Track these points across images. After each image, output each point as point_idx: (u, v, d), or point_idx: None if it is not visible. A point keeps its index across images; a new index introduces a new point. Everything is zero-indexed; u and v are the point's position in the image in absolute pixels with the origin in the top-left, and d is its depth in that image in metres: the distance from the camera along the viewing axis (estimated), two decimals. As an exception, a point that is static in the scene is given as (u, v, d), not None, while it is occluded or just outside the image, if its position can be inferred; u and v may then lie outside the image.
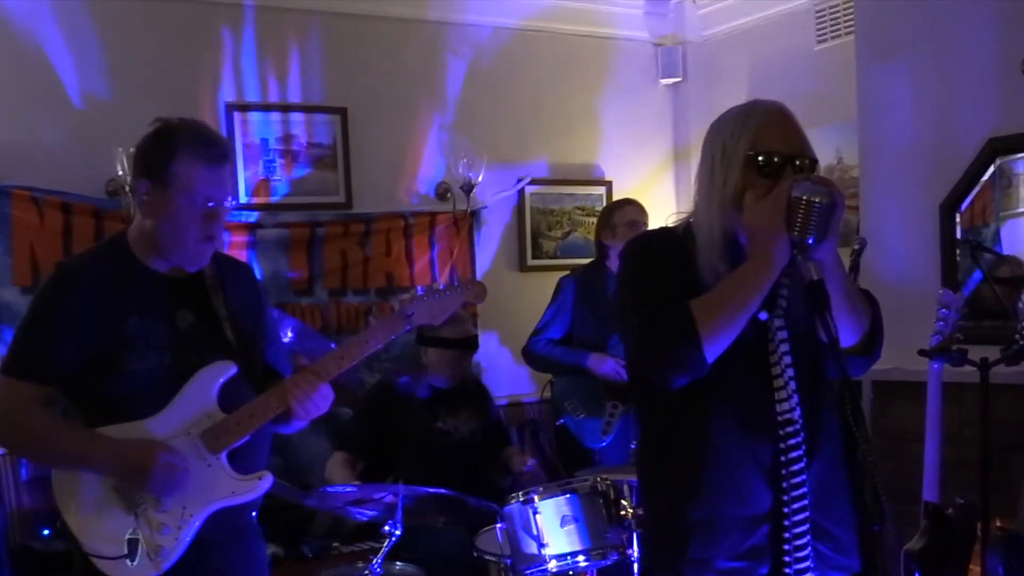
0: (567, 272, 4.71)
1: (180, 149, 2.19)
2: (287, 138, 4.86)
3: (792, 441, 1.93)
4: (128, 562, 2.14)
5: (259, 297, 2.47)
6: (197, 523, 2.19)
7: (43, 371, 2.20)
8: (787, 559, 1.94)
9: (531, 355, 4.53)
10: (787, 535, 1.93)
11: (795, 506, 1.93)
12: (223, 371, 2.25)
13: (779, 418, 1.93)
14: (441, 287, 2.38)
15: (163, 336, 2.23)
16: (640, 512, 2.96)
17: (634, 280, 2.04)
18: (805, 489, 1.93)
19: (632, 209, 4.52)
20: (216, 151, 2.23)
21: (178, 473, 2.17)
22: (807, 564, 1.94)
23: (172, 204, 2.19)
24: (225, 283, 2.33)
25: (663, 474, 2.05)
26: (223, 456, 2.23)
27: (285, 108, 4.85)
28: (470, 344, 4.05)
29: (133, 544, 2.14)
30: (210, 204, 2.21)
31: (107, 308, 2.19)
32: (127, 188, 3.89)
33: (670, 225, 2.12)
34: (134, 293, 2.23)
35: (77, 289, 2.21)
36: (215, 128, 4.59)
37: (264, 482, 2.26)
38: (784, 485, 1.93)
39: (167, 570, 2.16)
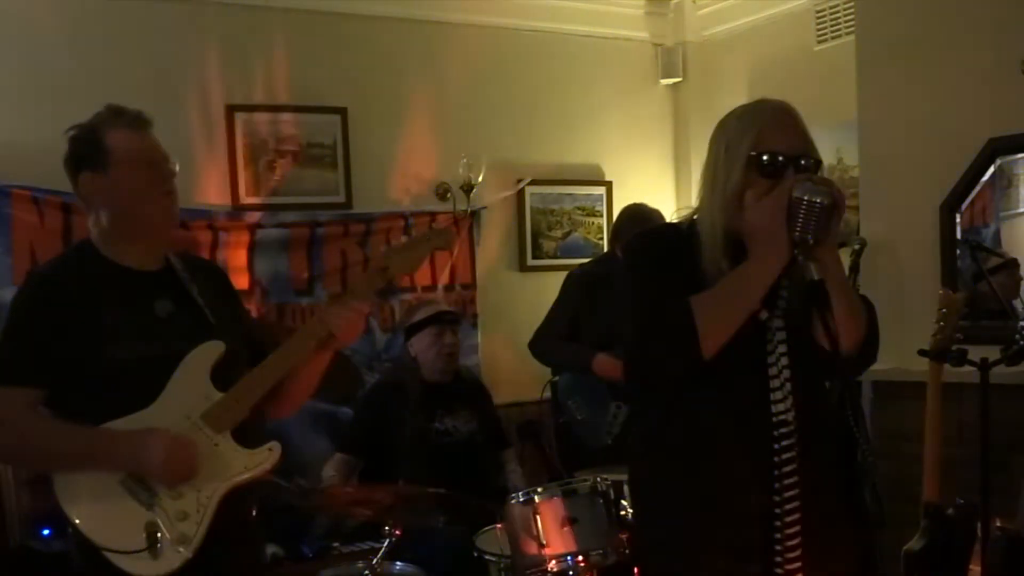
0: (574, 267, 4.71)
1: (104, 127, 2.25)
2: (287, 138, 4.86)
3: (786, 442, 1.94)
4: (149, 555, 2.12)
5: (230, 289, 2.51)
6: (215, 503, 2.19)
7: (32, 373, 2.19)
8: (778, 559, 1.94)
9: (537, 350, 4.53)
10: (778, 535, 1.94)
11: (787, 506, 1.93)
12: (213, 351, 2.26)
13: (774, 418, 1.94)
14: (411, 238, 2.45)
15: (145, 326, 2.24)
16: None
17: (637, 274, 2.05)
18: (798, 490, 1.93)
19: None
20: (134, 116, 2.28)
21: (190, 459, 2.17)
22: (798, 564, 1.94)
23: (119, 180, 2.23)
24: (195, 276, 2.35)
25: (657, 470, 2.05)
26: (228, 434, 2.23)
27: (285, 108, 4.85)
28: (446, 316, 4.04)
29: (153, 536, 2.13)
30: (152, 165, 2.25)
31: (84, 306, 2.20)
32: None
33: (675, 221, 2.13)
34: (108, 289, 2.24)
35: (52, 291, 2.23)
36: (215, 129, 4.62)
37: (275, 452, 2.27)
38: (776, 486, 1.94)
39: (184, 564, 2.15)
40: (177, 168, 2.34)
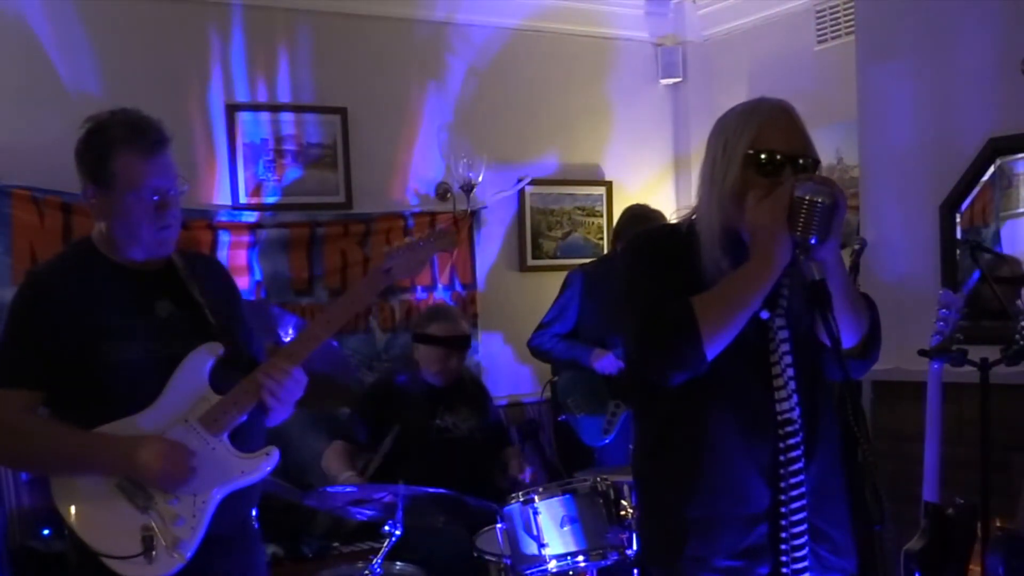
0: (574, 267, 4.72)
1: (114, 147, 2.18)
2: (287, 138, 4.85)
3: (791, 441, 1.93)
4: (144, 559, 2.11)
5: (232, 285, 2.48)
6: (211, 508, 2.18)
7: (29, 376, 2.18)
8: (784, 559, 1.94)
9: (536, 348, 4.56)
10: (784, 535, 1.94)
11: (793, 506, 1.93)
12: (211, 353, 2.24)
13: (778, 418, 1.94)
14: (414, 240, 2.42)
15: (144, 327, 2.22)
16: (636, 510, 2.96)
17: (636, 275, 2.04)
18: (804, 489, 1.93)
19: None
20: (151, 139, 2.21)
21: (186, 466, 2.15)
22: (805, 564, 1.94)
23: (120, 204, 2.19)
24: (197, 275, 2.32)
25: (660, 471, 2.05)
26: (225, 437, 2.22)
27: (285, 108, 4.85)
28: (458, 343, 4.04)
29: (148, 541, 2.12)
30: (156, 198, 2.20)
31: (83, 307, 2.18)
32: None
33: (673, 222, 2.12)
34: (108, 290, 2.22)
35: (50, 292, 2.21)
36: (214, 128, 4.61)
37: (272, 457, 2.25)
38: (782, 485, 1.93)
39: (180, 569, 2.14)
40: (186, 188, 2.31)
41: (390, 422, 3.90)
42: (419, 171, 5.18)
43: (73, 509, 2.16)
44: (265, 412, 2.29)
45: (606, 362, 4.30)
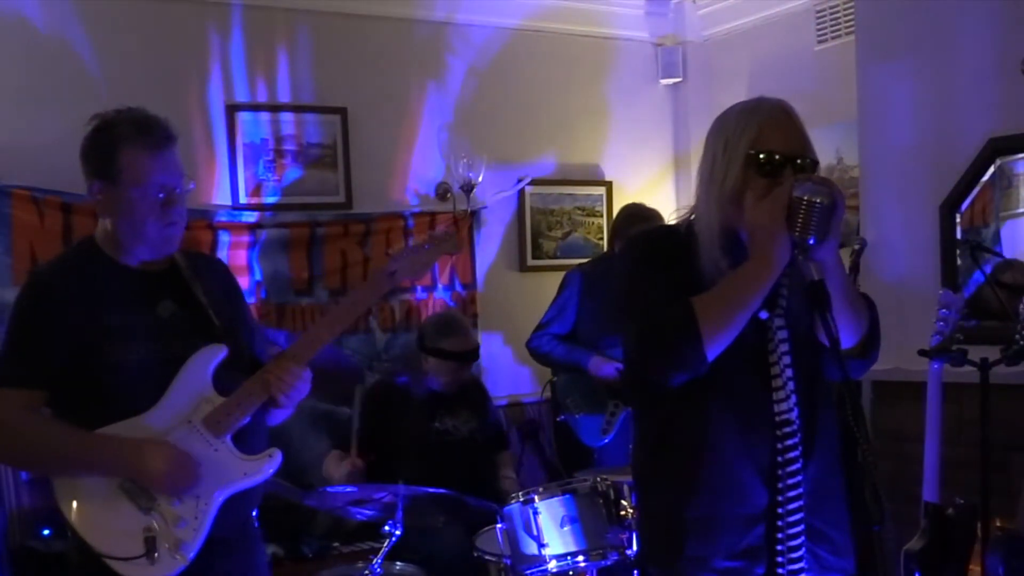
0: (572, 267, 4.71)
1: (121, 142, 2.20)
2: (287, 138, 4.85)
3: (790, 442, 1.93)
4: (146, 560, 2.12)
5: (235, 285, 2.49)
6: (214, 510, 2.18)
7: (32, 376, 2.18)
8: (780, 560, 1.94)
9: (535, 351, 4.55)
10: (780, 536, 1.94)
11: (790, 507, 1.93)
12: (214, 354, 2.24)
13: (777, 418, 1.94)
14: (419, 243, 2.43)
15: (146, 327, 2.22)
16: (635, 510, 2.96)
17: (635, 277, 2.04)
18: (801, 490, 1.93)
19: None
20: (158, 135, 2.22)
21: (191, 472, 2.15)
22: (801, 565, 1.94)
23: (125, 200, 2.20)
24: (200, 274, 2.32)
25: (659, 472, 2.05)
26: (228, 439, 2.22)
27: (285, 108, 4.85)
28: (471, 356, 4.05)
29: (150, 542, 2.12)
30: (162, 194, 2.21)
31: (85, 308, 2.18)
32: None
33: (671, 223, 2.13)
34: (111, 290, 2.23)
35: (53, 293, 2.21)
36: (214, 128, 4.60)
37: (275, 459, 2.25)
38: (780, 485, 1.93)
39: (182, 570, 2.14)
40: (192, 186, 2.32)
41: (390, 424, 3.90)
42: (419, 171, 5.18)
43: (76, 509, 2.16)
44: (267, 412, 2.30)
45: (608, 370, 4.29)
